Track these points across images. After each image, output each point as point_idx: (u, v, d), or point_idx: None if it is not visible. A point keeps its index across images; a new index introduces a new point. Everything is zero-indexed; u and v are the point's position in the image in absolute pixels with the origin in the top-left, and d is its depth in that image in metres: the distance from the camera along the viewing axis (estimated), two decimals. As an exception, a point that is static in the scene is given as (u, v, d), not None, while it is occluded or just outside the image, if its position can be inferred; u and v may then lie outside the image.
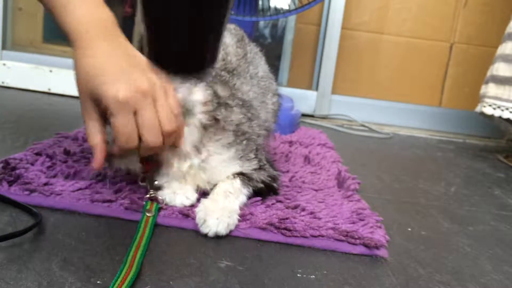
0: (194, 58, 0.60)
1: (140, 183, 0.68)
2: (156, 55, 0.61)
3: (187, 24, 0.56)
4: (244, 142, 0.71)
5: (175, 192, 0.68)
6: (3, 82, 1.60)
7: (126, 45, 0.62)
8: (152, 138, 0.59)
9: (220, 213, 0.62)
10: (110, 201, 0.65)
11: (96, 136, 0.59)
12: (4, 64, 1.60)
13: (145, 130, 0.59)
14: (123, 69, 0.58)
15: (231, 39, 0.79)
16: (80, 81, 0.59)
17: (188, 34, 0.57)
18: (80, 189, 0.68)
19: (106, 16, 0.62)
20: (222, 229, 0.61)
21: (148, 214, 0.62)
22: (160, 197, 0.66)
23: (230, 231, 0.62)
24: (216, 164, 0.69)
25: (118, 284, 0.45)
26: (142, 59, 0.62)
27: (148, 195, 0.66)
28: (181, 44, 0.59)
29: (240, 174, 0.71)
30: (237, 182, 0.69)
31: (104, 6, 0.62)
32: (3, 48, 1.85)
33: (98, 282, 0.47)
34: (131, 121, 0.58)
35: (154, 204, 0.64)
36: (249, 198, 0.71)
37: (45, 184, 0.68)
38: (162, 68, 0.61)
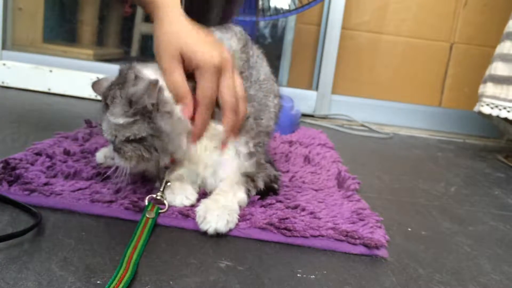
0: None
1: (157, 181, 0.71)
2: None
3: None
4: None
5: (175, 192, 0.68)
6: (3, 82, 1.60)
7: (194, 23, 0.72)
8: (230, 98, 0.69)
9: (220, 210, 0.63)
10: (110, 201, 0.66)
11: (185, 83, 0.67)
12: (4, 64, 1.60)
13: (225, 90, 0.69)
14: (212, 41, 0.70)
15: (237, 44, 0.80)
16: (166, 42, 0.68)
17: None
18: (80, 189, 0.68)
19: None
20: (222, 226, 0.61)
21: (147, 216, 0.62)
22: (165, 202, 0.67)
23: (230, 230, 0.62)
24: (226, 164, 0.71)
25: (114, 285, 0.45)
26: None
27: (154, 195, 0.66)
28: None
29: (244, 175, 0.71)
30: (239, 182, 0.70)
31: None
32: (3, 48, 1.85)
33: (98, 282, 0.47)
34: (216, 83, 0.68)
35: (156, 207, 0.64)
36: (249, 197, 0.71)
37: (45, 184, 0.68)
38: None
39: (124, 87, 0.63)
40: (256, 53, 0.86)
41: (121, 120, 0.62)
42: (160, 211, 0.64)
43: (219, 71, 0.68)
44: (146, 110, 0.62)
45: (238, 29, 0.85)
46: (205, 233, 0.62)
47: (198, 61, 0.66)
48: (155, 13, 0.71)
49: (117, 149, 0.64)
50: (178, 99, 0.67)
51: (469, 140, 1.76)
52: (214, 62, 0.67)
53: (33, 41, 1.97)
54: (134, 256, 0.52)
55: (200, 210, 0.64)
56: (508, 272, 0.63)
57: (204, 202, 0.66)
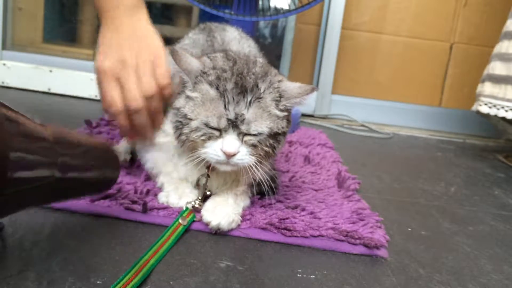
0: None
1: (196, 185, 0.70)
2: None
3: None
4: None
5: (181, 194, 0.68)
6: (3, 82, 1.60)
7: (136, 23, 0.69)
8: (134, 103, 0.65)
9: (230, 209, 0.63)
10: (110, 201, 0.65)
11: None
12: (4, 64, 1.60)
13: (127, 95, 0.65)
14: (116, 43, 0.66)
15: (254, 43, 0.82)
16: None
17: None
18: (80, 189, 0.68)
19: None
20: (226, 224, 0.61)
21: (180, 222, 0.61)
22: (202, 211, 0.64)
23: (231, 229, 0.63)
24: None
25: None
26: (145, 35, 0.69)
27: (193, 203, 0.66)
28: None
29: (252, 181, 0.71)
30: (248, 188, 0.71)
31: None
32: (3, 48, 1.85)
33: (98, 282, 0.47)
34: (115, 89, 0.66)
35: (192, 214, 0.64)
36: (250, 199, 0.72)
37: (45, 184, 0.68)
38: None
39: (271, 80, 0.63)
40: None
41: (280, 114, 0.63)
42: (194, 219, 0.64)
43: (111, 75, 0.65)
44: (288, 109, 0.63)
45: (238, 30, 0.85)
46: (205, 228, 0.62)
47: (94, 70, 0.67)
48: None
49: (254, 142, 0.61)
50: None
51: (469, 140, 1.76)
52: (101, 67, 0.65)
53: (33, 41, 1.97)
54: (152, 261, 0.51)
55: (209, 203, 0.65)
56: (508, 272, 0.63)
57: (214, 197, 0.67)
